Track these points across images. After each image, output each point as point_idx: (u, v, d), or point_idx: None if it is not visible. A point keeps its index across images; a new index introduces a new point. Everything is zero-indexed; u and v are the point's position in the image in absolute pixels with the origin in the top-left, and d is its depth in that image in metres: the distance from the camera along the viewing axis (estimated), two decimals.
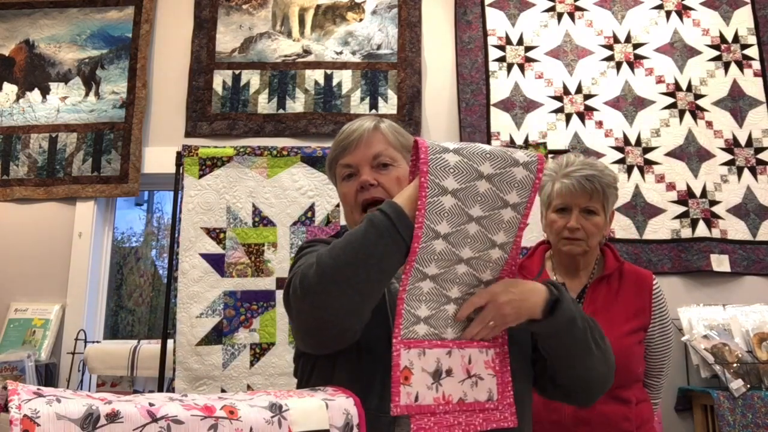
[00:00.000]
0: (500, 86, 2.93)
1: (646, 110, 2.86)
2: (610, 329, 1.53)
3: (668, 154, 2.80)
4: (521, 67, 2.96)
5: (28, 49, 3.04)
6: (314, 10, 3.06)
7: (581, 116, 2.87)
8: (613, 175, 1.66)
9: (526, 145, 2.71)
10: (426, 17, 3.05)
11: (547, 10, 3.03)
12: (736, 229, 2.73)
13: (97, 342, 2.69)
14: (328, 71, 2.97)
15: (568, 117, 2.88)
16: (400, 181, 1.20)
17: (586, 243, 1.60)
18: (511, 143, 2.82)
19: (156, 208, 4.21)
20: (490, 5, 3.03)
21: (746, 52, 2.94)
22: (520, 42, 2.98)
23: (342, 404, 0.85)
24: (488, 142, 2.83)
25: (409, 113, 2.89)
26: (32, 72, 3.02)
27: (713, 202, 2.74)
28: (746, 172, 2.80)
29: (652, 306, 1.62)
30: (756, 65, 2.93)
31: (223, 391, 2.22)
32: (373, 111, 2.90)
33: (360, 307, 0.98)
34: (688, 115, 2.83)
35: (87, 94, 2.98)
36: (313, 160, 2.42)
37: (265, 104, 2.93)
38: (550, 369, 1.14)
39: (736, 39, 2.96)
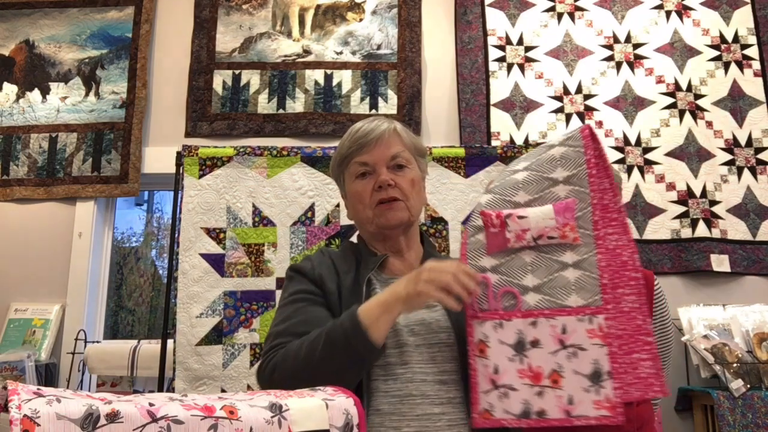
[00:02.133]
0: (500, 86, 2.93)
1: (646, 110, 2.86)
2: None
3: (668, 154, 2.80)
4: (521, 67, 2.96)
5: (28, 49, 3.04)
6: (314, 10, 3.06)
7: (581, 116, 2.87)
8: (619, 175, 1.66)
9: (526, 145, 2.71)
10: (426, 17, 3.05)
11: (547, 10, 3.03)
12: (736, 229, 2.73)
13: (97, 342, 2.69)
14: (328, 71, 2.97)
15: (568, 117, 2.88)
16: (414, 183, 1.24)
17: None
18: (511, 143, 2.82)
19: (156, 208, 4.21)
20: (490, 5, 3.03)
21: (746, 52, 2.94)
22: (520, 42, 2.99)
23: (342, 404, 0.85)
24: (488, 142, 2.83)
25: (409, 113, 2.89)
26: (32, 72, 3.02)
27: (713, 202, 2.74)
28: (746, 172, 2.81)
29: (653, 306, 1.62)
30: (756, 65, 2.93)
31: (223, 391, 2.22)
32: (373, 111, 2.90)
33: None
34: (688, 115, 2.83)
35: (87, 94, 2.98)
36: (313, 160, 2.42)
37: (265, 104, 2.93)
38: None
39: (736, 39, 2.96)
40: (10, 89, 3.00)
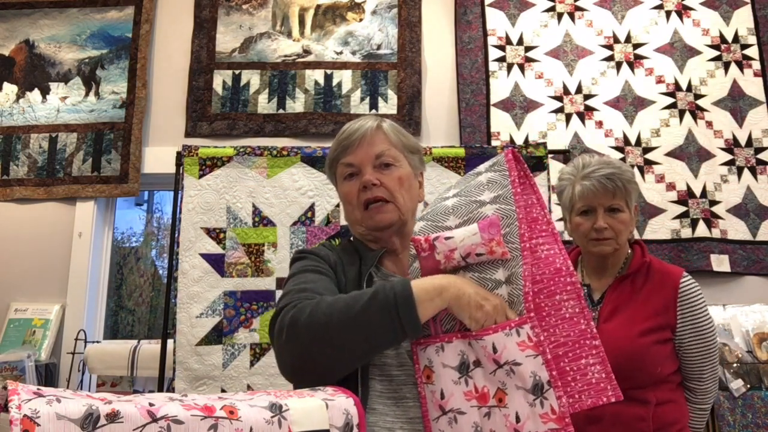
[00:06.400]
0: (500, 86, 2.93)
1: (646, 110, 2.86)
2: (626, 328, 1.51)
3: (668, 154, 2.81)
4: (521, 67, 2.96)
5: (28, 49, 3.04)
6: (314, 10, 3.06)
7: (581, 116, 2.87)
8: (632, 171, 1.65)
9: (526, 145, 2.71)
10: (426, 17, 3.05)
11: (547, 10, 3.03)
12: (736, 229, 2.73)
13: (97, 342, 2.69)
14: (328, 71, 2.97)
15: (568, 117, 2.88)
16: (401, 181, 1.21)
17: (616, 241, 1.59)
18: (511, 143, 2.82)
19: (156, 208, 4.20)
20: (490, 5, 3.03)
21: (746, 52, 2.94)
22: (520, 42, 2.99)
23: (342, 404, 0.85)
24: (488, 142, 2.83)
25: (409, 113, 2.89)
26: (32, 72, 3.02)
27: (713, 202, 2.74)
28: (746, 172, 2.80)
29: (677, 304, 1.55)
30: (756, 65, 2.93)
31: (223, 391, 2.22)
32: (373, 111, 2.90)
33: (341, 368, 0.98)
34: (688, 115, 2.83)
35: (87, 94, 2.98)
36: (313, 160, 2.42)
37: (265, 104, 2.93)
38: None
39: (736, 39, 2.96)
40: (10, 89, 3.00)
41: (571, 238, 1.71)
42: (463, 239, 1.02)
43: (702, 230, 2.69)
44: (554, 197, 2.22)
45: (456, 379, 0.99)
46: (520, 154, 1.09)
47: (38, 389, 0.65)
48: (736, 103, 2.87)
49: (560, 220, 1.74)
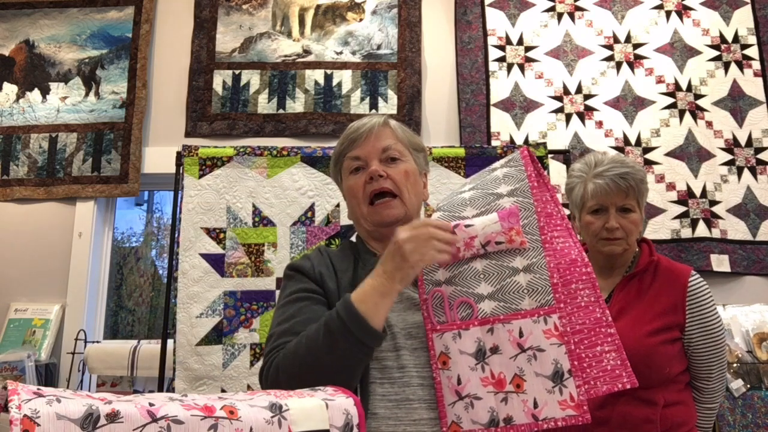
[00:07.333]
0: (500, 86, 2.93)
1: (646, 110, 2.86)
2: (634, 328, 1.49)
3: (668, 154, 2.80)
4: (521, 67, 2.96)
5: (28, 49, 3.04)
6: (314, 10, 3.06)
7: (581, 116, 2.87)
8: (644, 170, 1.63)
9: (526, 145, 2.71)
10: (426, 17, 3.05)
11: (547, 10, 3.03)
12: (736, 229, 2.73)
13: (97, 342, 2.69)
14: (328, 71, 2.97)
15: (568, 117, 2.88)
16: (408, 175, 1.22)
17: (626, 241, 1.58)
18: (511, 143, 2.82)
19: (156, 208, 4.20)
20: (490, 5, 3.03)
21: (746, 52, 2.94)
22: (520, 42, 2.98)
23: (342, 404, 0.85)
24: (488, 142, 2.83)
25: (409, 113, 2.89)
26: (32, 72, 3.02)
27: (713, 202, 2.74)
28: (746, 172, 2.80)
29: (686, 303, 1.53)
30: (756, 65, 2.93)
31: (223, 391, 2.22)
32: (373, 111, 2.90)
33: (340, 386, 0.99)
34: (688, 115, 2.83)
35: (87, 94, 2.98)
36: (313, 160, 2.42)
37: (265, 104, 2.93)
38: None
39: (736, 39, 2.96)
40: (10, 89, 3.00)
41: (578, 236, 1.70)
42: (485, 227, 1.05)
43: (702, 230, 2.69)
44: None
45: (473, 365, 1.02)
46: (534, 155, 1.13)
47: (38, 389, 0.65)
48: (736, 103, 2.87)
49: (567, 217, 1.74)
